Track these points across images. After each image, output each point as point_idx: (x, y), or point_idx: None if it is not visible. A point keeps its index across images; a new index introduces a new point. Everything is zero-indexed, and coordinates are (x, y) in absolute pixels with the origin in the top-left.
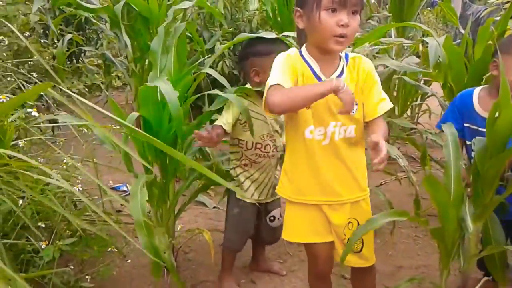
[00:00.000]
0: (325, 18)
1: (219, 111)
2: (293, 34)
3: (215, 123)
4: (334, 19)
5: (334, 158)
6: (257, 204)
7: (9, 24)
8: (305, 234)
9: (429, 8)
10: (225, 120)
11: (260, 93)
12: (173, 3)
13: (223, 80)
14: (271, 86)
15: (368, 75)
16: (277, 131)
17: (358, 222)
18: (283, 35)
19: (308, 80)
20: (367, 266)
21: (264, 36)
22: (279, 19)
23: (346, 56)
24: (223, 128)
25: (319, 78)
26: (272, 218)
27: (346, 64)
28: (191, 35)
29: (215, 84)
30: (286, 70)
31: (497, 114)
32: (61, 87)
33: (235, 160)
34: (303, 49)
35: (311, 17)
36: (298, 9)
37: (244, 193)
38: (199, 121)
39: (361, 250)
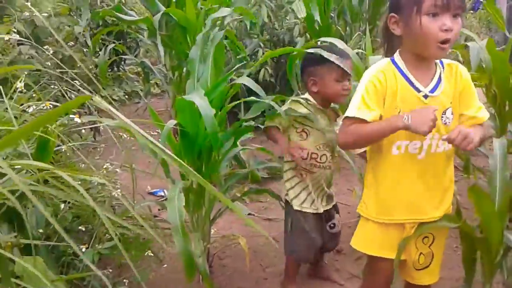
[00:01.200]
0: (427, 23)
1: (255, 119)
2: (330, 39)
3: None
4: (437, 24)
5: (428, 173)
6: (318, 213)
7: (54, 33)
8: (379, 247)
9: (471, 12)
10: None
11: (321, 103)
12: (210, 12)
13: (257, 89)
14: (346, 117)
15: (466, 83)
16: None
17: (434, 237)
18: (319, 40)
19: (405, 91)
20: (430, 284)
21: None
22: (316, 26)
23: (441, 62)
24: (279, 129)
25: (416, 88)
26: (332, 225)
27: (443, 70)
28: (228, 43)
29: (252, 91)
30: (369, 96)
31: None
32: (102, 94)
33: (291, 169)
34: (397, 57)
35: (411, 22)
36: (394, 15)
37: (302, 204)
38: (234, 129)
39: (429, 264)
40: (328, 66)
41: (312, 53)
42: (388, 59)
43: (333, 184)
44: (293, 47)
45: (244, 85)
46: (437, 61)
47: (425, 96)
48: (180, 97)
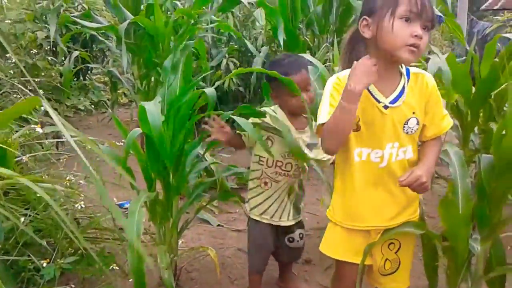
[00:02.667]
0: (399, 26)
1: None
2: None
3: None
4: (408, 29)
5: (390, 181)
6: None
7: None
8: (345, 252)
9: None
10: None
11: (288, 112)
12: (179, 22)
13: (216, 100)
14: (319, 126)
15: (432, 92)
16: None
17: (400, 244)
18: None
19: (365, 101)
20: None
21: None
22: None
23: (408, 73)
24: (241, 138)
25: (376, 99)
26: (291, 239)
27: (408, 81)
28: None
29: (222, 101)
30: (336, 101)
31: (503, 132)
32: (67, 103)
33: (255, 178)
34: None
35: (383, 25)
36: (367, 17)
37: (262, 214)
38: (200, 138)
39: (395, 271)
40: (279, 82)
41: (275, 65)
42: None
43: (302, 197)
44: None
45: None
46: (403, 71)
47: (385, 107)
48: (140, 105)
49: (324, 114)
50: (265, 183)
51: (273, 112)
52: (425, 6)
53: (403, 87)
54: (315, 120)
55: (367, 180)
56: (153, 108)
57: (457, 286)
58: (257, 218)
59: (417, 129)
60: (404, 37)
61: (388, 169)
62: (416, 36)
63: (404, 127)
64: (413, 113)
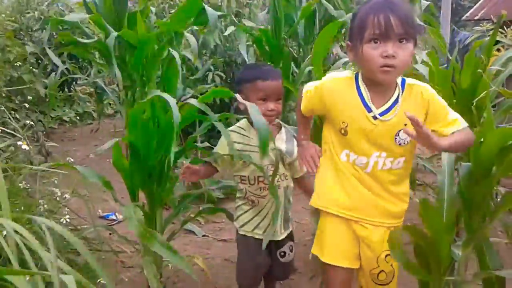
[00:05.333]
0: (368, 51)
1: (210, 137)
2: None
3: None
4: (378, 51)
5: (378, 186)
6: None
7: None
8: (335, 255)
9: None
10: (215, 155)
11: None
12: (163, 32)
13: (205, 109)
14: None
15: (430, 100)
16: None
17: None
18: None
19: (356, 108)
20: None
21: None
22: (267, 49)
23: (403, 83)
24: (212, 165)
25: (368, 108)
26: (282, 253)
27: (402, 92)
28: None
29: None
30: (314, 93)
31: (481, 140)
32: (52, 115)
33: (241, 197)
34: (359, 76)
35: (357, 50)
36: (348, 42)
37: (254, 231)
38: (185, 147)
39: (389, 282)
40: (252, 85)
41: (245, 71)
42: (353, 72)
43: (289, 209)
44: None
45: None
46: (399, 83)
47: (374, 117)
48: (134, 107)
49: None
50: (252, 201)
51: (241, 127)
52: (390, 23)
53: (397, 99)
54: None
55: (352, 179)
56: (167, 95)
57: None
58: (249, 234)
59: (409, 140)
60: (375, 60)
61: (374, 175)
62: (386, 56)
63: (395, 138)
64: (405, 124)
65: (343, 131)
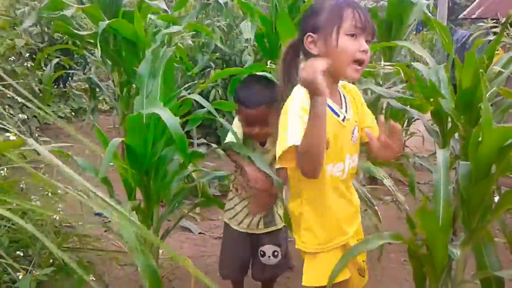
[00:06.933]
0: (345, 43)
1: (206, 134)
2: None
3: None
4: (355, 45)
5: (347, 190)
6: (246, 232)
7: None
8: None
9: (414, 33)
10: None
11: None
12: (159, 29)
13: (207, 105)
14: (291, 148)
15: (357, 99)
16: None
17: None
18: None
19: (328, 117)
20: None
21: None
22: (267, 45)
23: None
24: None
25: (335, 113)
26: (262, 253)
27: (341, 90)
28: (178, 61)
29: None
30: (303, 122)
31: (480, 139)
32: (46, 111)
33: (231, 182)
34: None
35: (330, 42)
36: (311, 34)
37: (231, 219)
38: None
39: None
40: (240, 107)
41: (238, 88)
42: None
43: (277, 208)
44: (242, 66)
45: (197, 103)
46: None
47: (343, 119)
48: (131, 115)
49: (296, 135)
50: (236, 189)
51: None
52: (368, 21)
53: (343, 96)
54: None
55: (336, 193)
56: (168, 114)
57: None
58: (228, 222)
59: (357, 137)
60: (352, 53)
61: (346, 180)
62: (363, 51)
63: (352, 136)
64: (356, 121)
65: (327, 147)
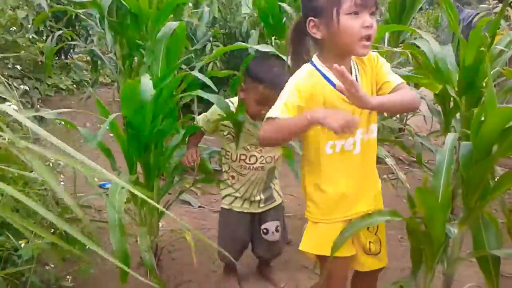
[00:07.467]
0: (348, 22)
1: (208, 107)
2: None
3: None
4: (358, 22)
5: (365, 164)
6: (248, 212)
7: None
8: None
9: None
10: (203, 116)
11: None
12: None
13: (208, 81)
14: (268, 118)
15: (374, 67)
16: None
17: (377, 225)
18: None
19: (332, 95)
20: (382, 267)
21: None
22: (271, 21)
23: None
24: (199, 132)
25: (340, 91)
26: (265, 230)
27: (357, 67)
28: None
29: (204, 84)
30: (292, 101)
31: (482, 118)
32: (48, 82)
33: (225, 172)
34: (317, 62)
35: (332, 24)
36: (313, 18)
37: (232, 204)
38: (183, 121)
39: (380, 251)
40: (256, 85)
41: (257, 66)
42: (309, 65)
43: (274, 185)
44: (244, 40)
45: (198, 79)
46: (351, 60)
47: None
48: (126, 84)
49: (276, 110)
50: (232, 177)
51: (232, 103)
52: None
53: (356, 74)
54: None
55: (343, 170)
56: (146, 81)
57: (433, 268)
58: (229, 207)
59: None
60: (356, 31)
61: (362, 153)
62: (367, 26)
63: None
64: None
65: None
